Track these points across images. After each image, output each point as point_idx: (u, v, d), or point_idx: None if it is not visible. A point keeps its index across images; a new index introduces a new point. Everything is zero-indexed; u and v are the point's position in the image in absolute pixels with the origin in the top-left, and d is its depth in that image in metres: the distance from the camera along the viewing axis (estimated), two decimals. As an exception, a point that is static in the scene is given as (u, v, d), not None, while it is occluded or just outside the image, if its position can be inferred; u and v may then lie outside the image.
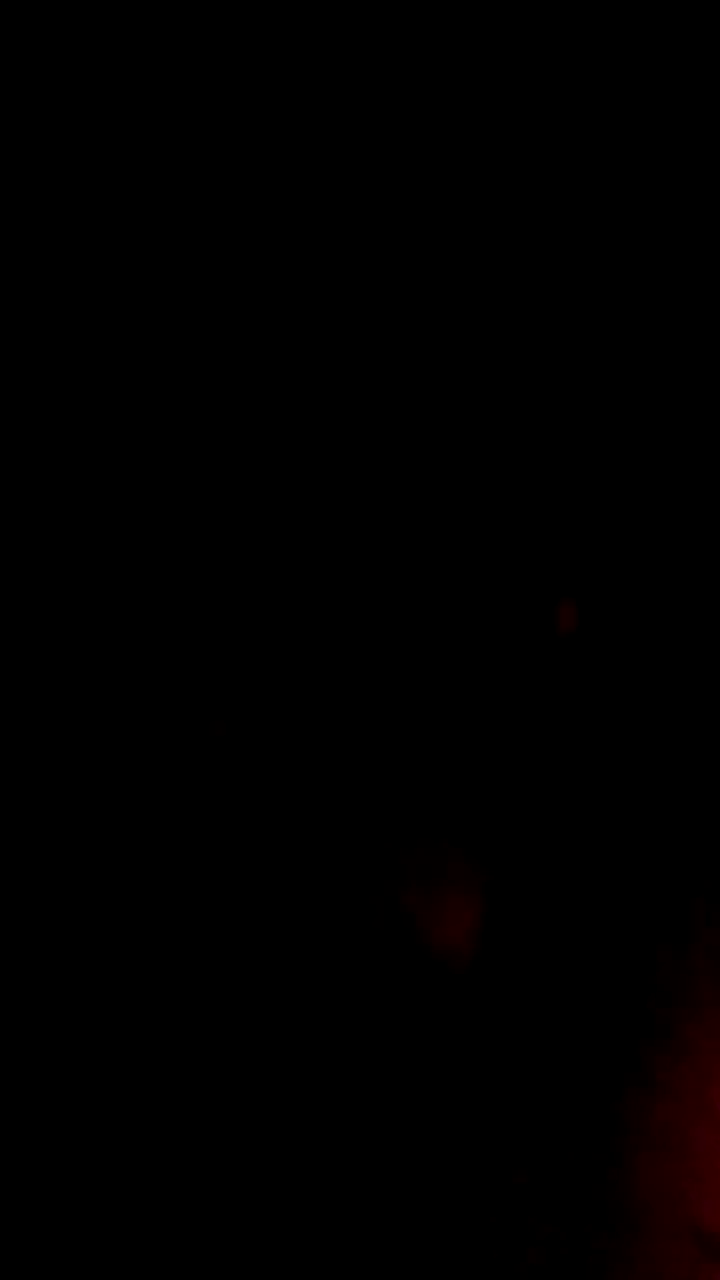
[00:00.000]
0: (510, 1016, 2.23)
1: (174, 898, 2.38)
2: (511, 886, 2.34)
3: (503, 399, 2.58)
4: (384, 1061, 2.25)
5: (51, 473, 2.52)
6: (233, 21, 2.48)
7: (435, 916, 2.39)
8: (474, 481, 2.58)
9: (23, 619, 2.49)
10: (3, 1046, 2.24)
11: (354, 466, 2.56)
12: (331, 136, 2.52)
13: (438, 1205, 2.12)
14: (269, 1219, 2.13)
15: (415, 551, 2.57)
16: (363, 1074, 2.25)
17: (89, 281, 2.53)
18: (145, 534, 2.54)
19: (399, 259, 2.56)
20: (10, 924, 2.33)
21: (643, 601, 2.53)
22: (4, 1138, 2.18)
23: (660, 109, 2.52)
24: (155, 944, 2.34)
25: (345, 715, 2.51)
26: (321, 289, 2.56)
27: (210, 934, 2.36)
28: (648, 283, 2.56)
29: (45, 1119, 2.20)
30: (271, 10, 2.48)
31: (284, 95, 2.51)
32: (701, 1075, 2.11)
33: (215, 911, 2.38)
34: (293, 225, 2.55)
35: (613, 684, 2.49)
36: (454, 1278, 2.07)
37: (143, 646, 2.52)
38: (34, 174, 2.48)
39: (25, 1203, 2.13)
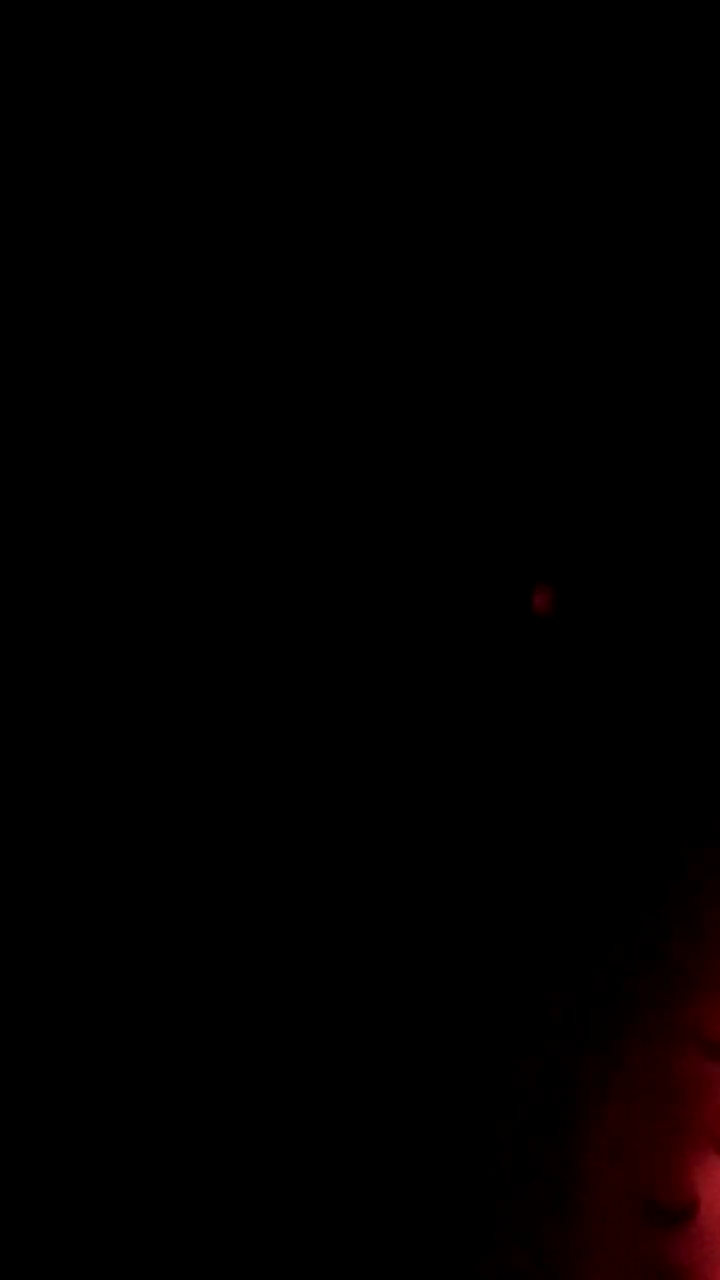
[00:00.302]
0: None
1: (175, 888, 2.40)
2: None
3: (483, 383, 2.58)
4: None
5: (53, 471, 2.54)
6: (232, 21, 2.48)
7: None
8: (452, 464, 2.58)
9: (27, 616, 2.51)
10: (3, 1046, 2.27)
11: (334, 450, 2.57)
12: (331, 136, 2.53)
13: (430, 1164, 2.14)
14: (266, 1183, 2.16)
15: (395, 536, 2.57)
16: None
17: (89, 281, 2.53)
18: (147, 530, 2.56)
19: (397, 257, 2.56)
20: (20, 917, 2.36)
21: (623, 586, 2.55)
22: (4, 1138, 2.21)
23: (660, 109, 2.52)
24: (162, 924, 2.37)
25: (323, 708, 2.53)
26: (321, 287, 2.56)
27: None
28: (638, 275, 2.57)
29: (45, 1118, 2.23)
30: (271, 10, 2.48)
31: (283, 95, 2.51)
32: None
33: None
34: (292, 225, 2.55)
35: (591, 670, 2.51)
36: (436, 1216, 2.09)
37: (144, 646, 2.54)
38: (34, 174, 2.49)
39: (25, 1203, 2.15)
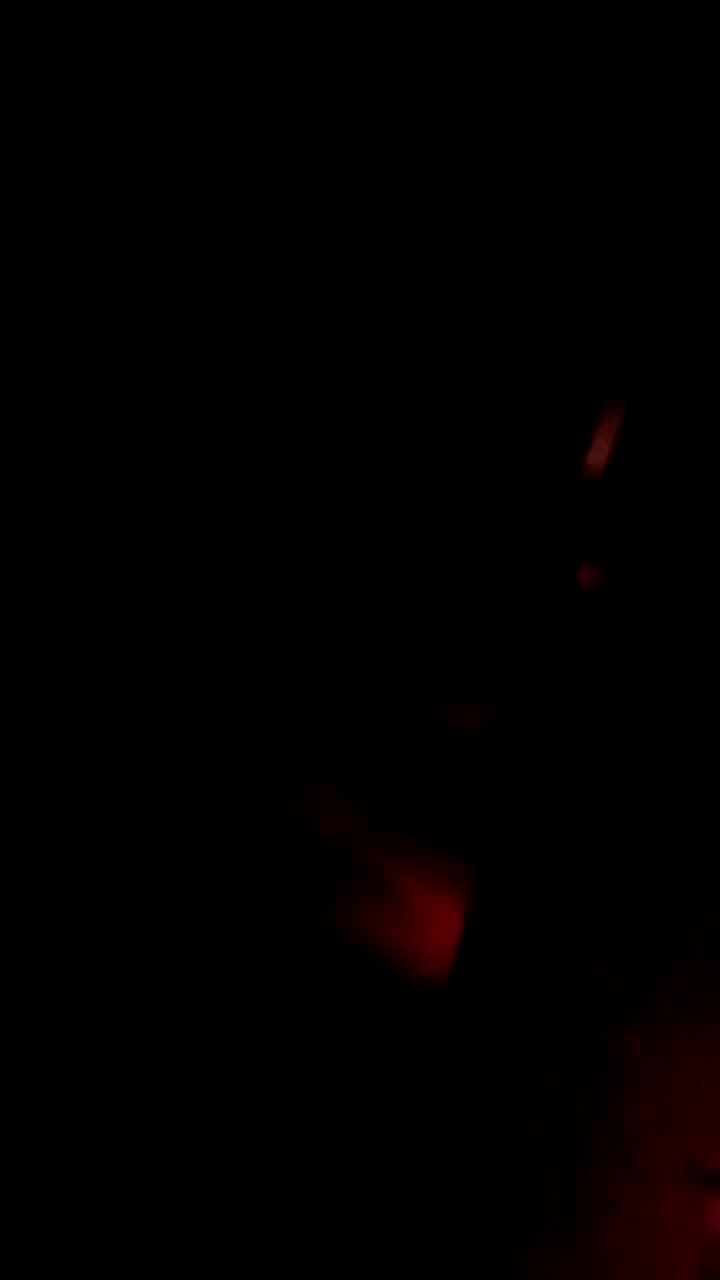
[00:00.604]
0: (492, 1027, 2.23)
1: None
2: (501, 891, 2.33)
3: (526, 365, 2.58)
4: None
5: (55, 469, 2.53)
6: (232, 21, 2.51)
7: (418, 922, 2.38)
8: (495, 450, 2.58)
9: (31, 613, 2.49)
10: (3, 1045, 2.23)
11: (373, 433, 2.56)
12: (331, 136, 2.54)
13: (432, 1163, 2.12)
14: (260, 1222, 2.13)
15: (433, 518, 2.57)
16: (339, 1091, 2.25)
17: (89, 281, 2.54)
18: (150, 527, 2.54)
19: (400, 255, 2.57)
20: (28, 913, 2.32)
21: (670, 564, 2.53)
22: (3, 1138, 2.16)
23: (660, 110, 2.55)
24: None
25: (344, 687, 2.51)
26: (321, 286, 2.57)
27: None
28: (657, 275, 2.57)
29: (39, 1125, 2.18)
30: (271, 10, 2.51)
31: (283, 95, 2.53)
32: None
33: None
34: (292, 225, 2.56)
35: (636, 650, 2.48)
36: (450, 1220, 2.09)
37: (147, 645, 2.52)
38: (33, 174, 2.50)
39: (24, 1203, 2.10)
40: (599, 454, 2.55)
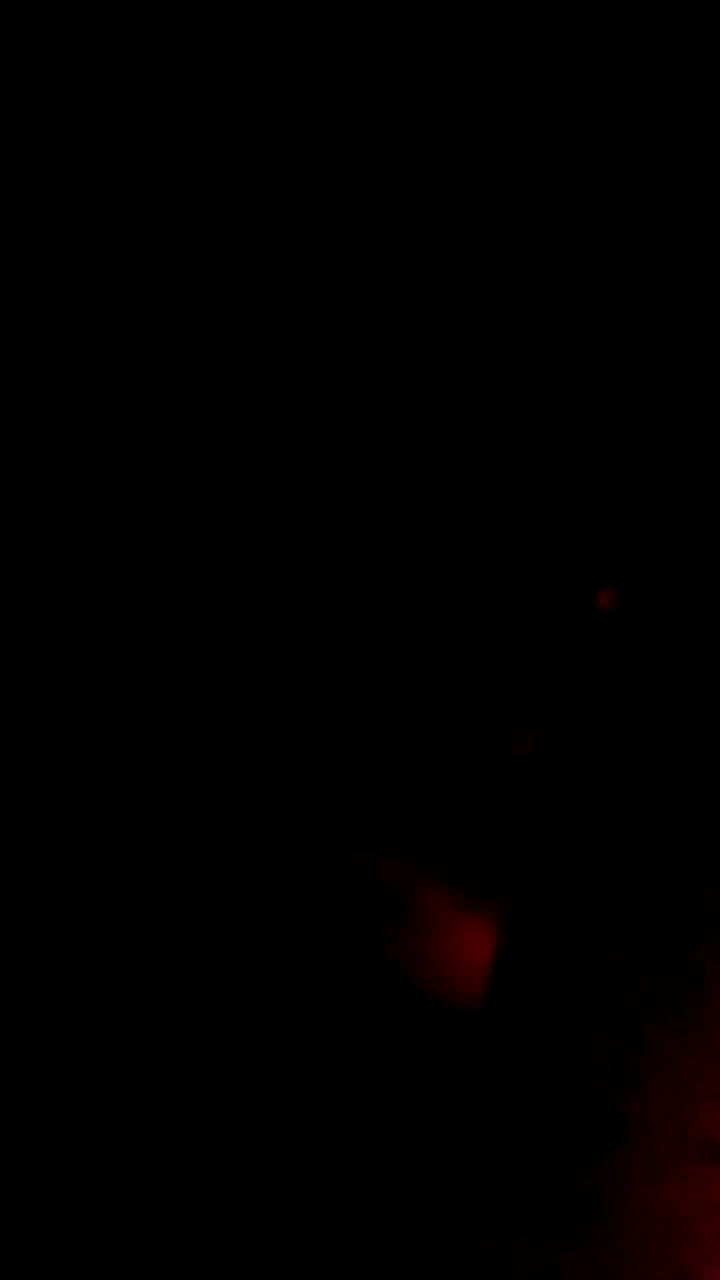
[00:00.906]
0: (523, 1047, 2.23)
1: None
2: (531, 912, 2.33)
3: (540, 380, 2.58)
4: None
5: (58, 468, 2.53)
6: (232, 21, 2.51)
7: (445, 950, 2.39)
8: (514, 465, 2.58)
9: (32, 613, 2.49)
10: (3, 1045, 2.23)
11: (387, 446, 2.56)
12: (331, 136, 2.54)
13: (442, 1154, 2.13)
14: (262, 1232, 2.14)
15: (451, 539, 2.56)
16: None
17: (89, 281, 2.54)
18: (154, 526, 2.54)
19: (410, 254, 2.57)
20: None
21: (687, 586, 2.52)
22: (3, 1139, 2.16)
23: (660, 110, 2.54)
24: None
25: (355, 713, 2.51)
26: (326, 286, 2.57)
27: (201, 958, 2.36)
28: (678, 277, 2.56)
29: (39, 1126, 2.19)
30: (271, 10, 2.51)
31: (283, 94, 2.53)
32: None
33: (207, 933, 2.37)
34: (292, 225, 2.56)
35: (655, 670, 2.48)
36: (464, 1202, 2.09)
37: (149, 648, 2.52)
38: (33, 174, 2.51)
39: (24, 1203, 2.10)
40: (617, 473, 2.55)
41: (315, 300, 2.56)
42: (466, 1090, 2.17)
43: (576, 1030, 2.16)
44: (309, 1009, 2.32)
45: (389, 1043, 2.31)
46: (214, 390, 2.56)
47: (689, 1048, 2.11)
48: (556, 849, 2.32)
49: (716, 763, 2.35)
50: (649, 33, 2.50)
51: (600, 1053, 2.12)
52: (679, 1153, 2.04)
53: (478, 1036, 2.21)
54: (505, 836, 2.45)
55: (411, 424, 2.56)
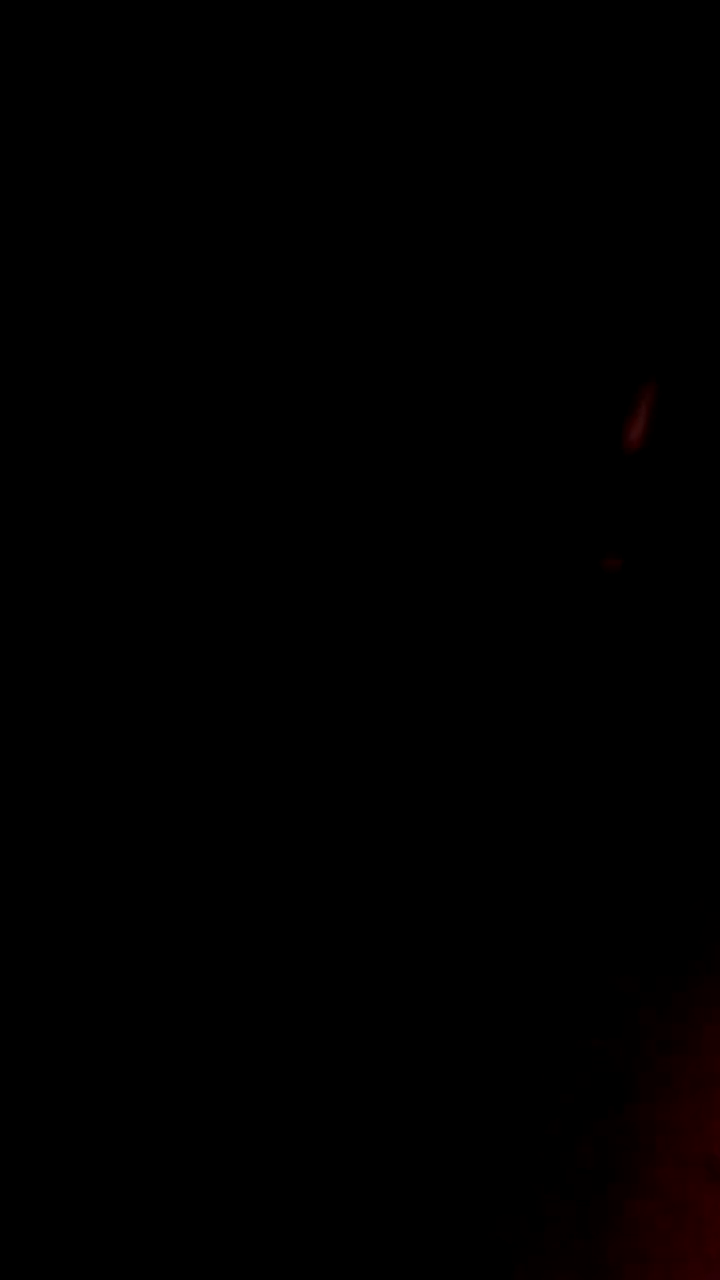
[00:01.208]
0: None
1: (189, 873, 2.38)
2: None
3: (540, 362, 2.57)
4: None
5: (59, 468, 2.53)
6: (232, 21, 2.50)
7: None
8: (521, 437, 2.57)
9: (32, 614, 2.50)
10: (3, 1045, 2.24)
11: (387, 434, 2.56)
12: (331, 136, 2.54)
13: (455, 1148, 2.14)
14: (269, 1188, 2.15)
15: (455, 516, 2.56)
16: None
17: (89, 282, 2.54)
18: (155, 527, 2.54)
19: (403, 257, 2.56)
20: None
21: (693, 553, 2.51)
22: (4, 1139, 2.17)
23: (660, 110, 2.53)
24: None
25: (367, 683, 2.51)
26: (323, 287, 2.56)
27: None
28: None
29: (45, 1118, 2.20)
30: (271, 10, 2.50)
31: (284, 94, 2.52)
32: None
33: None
34: (292, 225, 2.55)
35: (660, 632, 2.48)
36: (470, 1204, 2.10)
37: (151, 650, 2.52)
38: (34, 174, 2.50)
39: (25, 1203, 2.12)
40: (630, 437, 2.54)
41: (314, 300, 2.56)
42: None
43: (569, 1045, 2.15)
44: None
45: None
46: (214, 390, 2.56)
47: (690, 1051, 2.12)
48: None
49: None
50: (649, 32, 2.49)
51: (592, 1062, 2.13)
52: (683, 1168, 2.04)
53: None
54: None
55: (421, 386, 2.56)
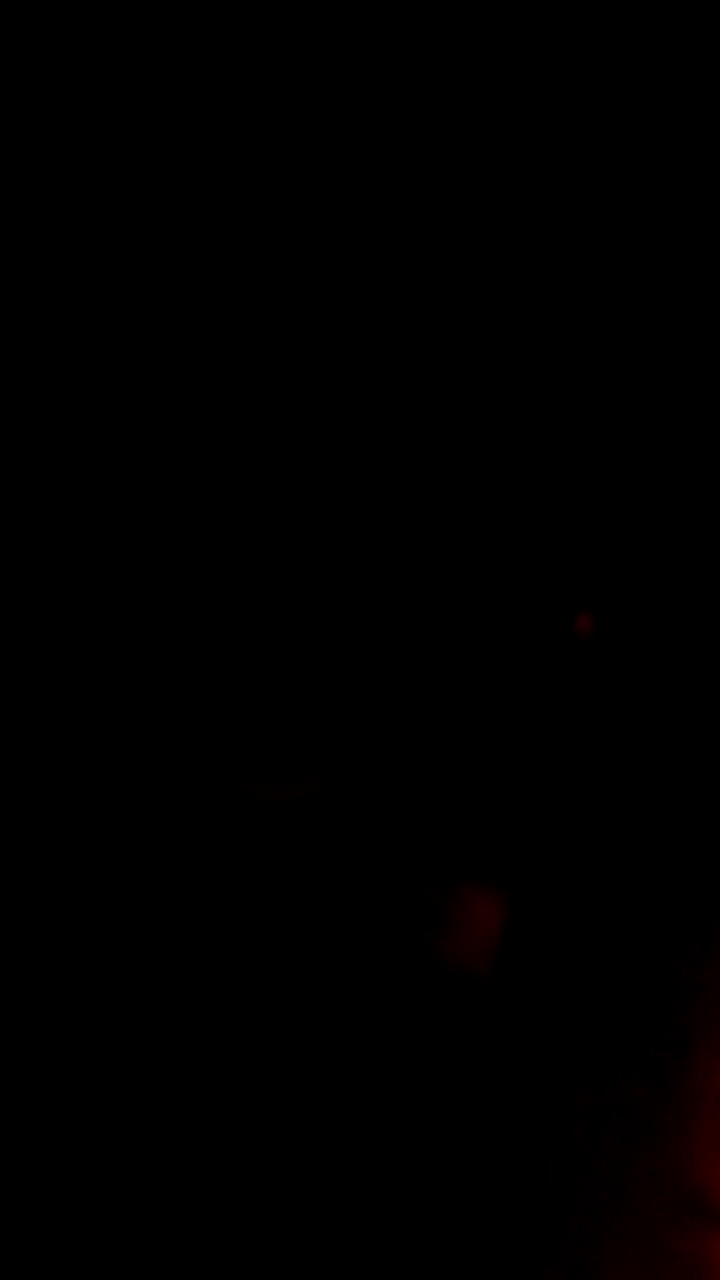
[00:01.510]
0: (529, 1025, 2.23)
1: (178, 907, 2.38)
2: (534, 894, 2.33)
3: (512, 405, 2.58)
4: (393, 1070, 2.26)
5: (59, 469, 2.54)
6: (232, 21, 2.51)
7: (453, 926, 2.39)
8: (485, 488, 2.58)
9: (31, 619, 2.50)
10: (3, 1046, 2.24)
11: (359, 473, 2.56)
12: (331, 136, 2.55)
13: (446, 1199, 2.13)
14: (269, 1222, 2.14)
15: (424, 560, 2.56)
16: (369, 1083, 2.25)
17: (88, 282, 2.55)
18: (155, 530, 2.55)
19: (399, 259, 2.57)
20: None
21: (662, 610, 2.53)
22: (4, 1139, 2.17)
23: (660, 110, 2.54)
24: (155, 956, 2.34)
25: (357, 724, 2.51)
26: (322, 288, 2.57)
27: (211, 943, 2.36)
28: (652, 288, 2.56)
29: (45, 1119, 2.20)
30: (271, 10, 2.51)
31: (284, 95, 2.54)
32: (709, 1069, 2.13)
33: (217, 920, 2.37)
34: (292, 225, 2.57)
35: (632, 691, 2.48)
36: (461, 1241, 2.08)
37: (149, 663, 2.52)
38: (34, 174, 2.51)
39: (25, 1203, 2.12)
40: (594, 495, 2.55)
41: (312, 301, 2.57)
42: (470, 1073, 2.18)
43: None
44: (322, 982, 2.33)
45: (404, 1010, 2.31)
46: (212, 389, 2.57)
47: (677, 1092, 2.12)
48: (543, 878, 2.34)
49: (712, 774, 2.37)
50: (649, 32, 2.51)
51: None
52: (667, 1209, 2.04)
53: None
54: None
55: (399, 438, 2.57)
